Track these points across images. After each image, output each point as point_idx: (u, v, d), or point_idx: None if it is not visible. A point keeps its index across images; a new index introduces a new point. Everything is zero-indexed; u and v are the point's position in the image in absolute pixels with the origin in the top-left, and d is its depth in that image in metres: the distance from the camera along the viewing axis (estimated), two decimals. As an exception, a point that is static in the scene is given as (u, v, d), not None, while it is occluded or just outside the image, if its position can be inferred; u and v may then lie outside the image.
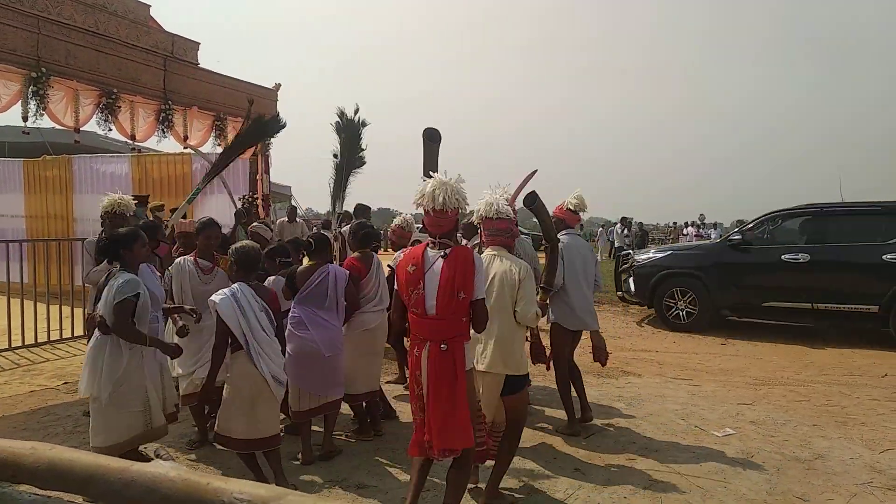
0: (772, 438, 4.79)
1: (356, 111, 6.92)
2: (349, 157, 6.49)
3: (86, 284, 5.31)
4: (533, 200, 4.11)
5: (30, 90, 7.23)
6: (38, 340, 7.22)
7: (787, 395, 6.01)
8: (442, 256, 3.05)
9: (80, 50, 7.76)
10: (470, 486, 3.58)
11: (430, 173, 3.19)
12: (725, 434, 4.88)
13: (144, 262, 3.78)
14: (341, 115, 6.68)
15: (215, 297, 3.60)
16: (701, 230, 27.81)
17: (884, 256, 7.98)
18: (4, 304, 7.00)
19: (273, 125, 6.97)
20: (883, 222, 8.24)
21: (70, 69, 7.62)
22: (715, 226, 29.28)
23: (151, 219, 7.82)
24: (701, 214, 30.17)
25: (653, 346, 8.41)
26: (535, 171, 5.48)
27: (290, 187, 21.31)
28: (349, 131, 6.33)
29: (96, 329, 3.51)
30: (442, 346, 2.99)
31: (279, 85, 11.48)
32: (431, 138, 3.56)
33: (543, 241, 4.24)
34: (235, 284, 3.70)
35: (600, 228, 28.72)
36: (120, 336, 3.45)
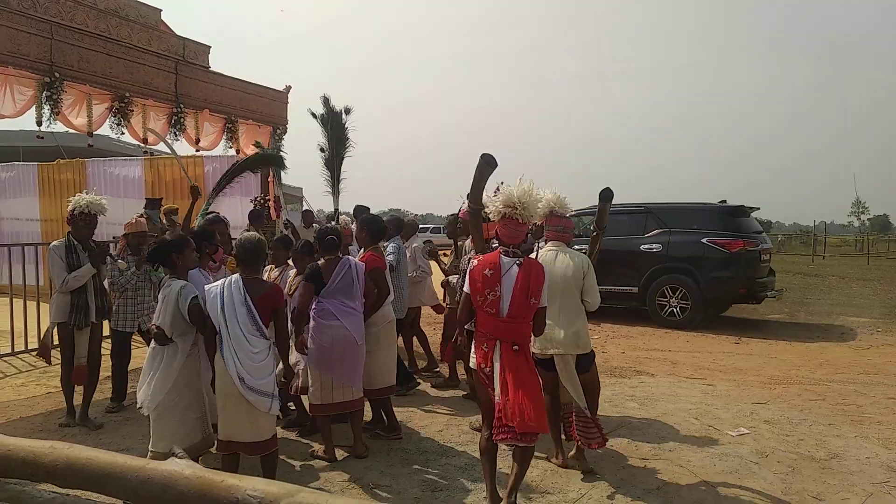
0: (787, 438, 4.76)
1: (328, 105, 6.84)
2: (337, 148, 6.46)
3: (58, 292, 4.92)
4: (610, 195, 4.49)
5: (43, 95, 7.30)
6: (54, 343, 7.26)
7: (802, 394, 5.97)
8: (517, 264, 3.37)
9: (93, 55, 7.83)
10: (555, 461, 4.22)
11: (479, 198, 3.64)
12: (740, 433, 4.85)
13: (194, 267, 3.96)
14: (326, 102, 6.59)
15: (209, 285, 3.62)
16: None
17: (641, 247, 10.00)
18: (20, 306, 7.06)
19: (274, 160, 7.54)
20: (643, 219, 10.22)
21: (83, 74, 7.69)
22: None
23: (165, 222, 7.88)
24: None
25: (666, 345, 8.37)
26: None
27: (301, 188, 21.37)
28: (334, 121, 6.27)
29: (152, 341, 3.66)
30: (514, 347, 3.34)
31: (289, 87, 11.53)
32: (489, 163, 3.72)
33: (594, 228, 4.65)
34: (233, 276, 3.63)
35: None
36: (208, 336, 3.55)
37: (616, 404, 5.59)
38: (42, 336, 5.23)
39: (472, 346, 3.53)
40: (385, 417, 4.81)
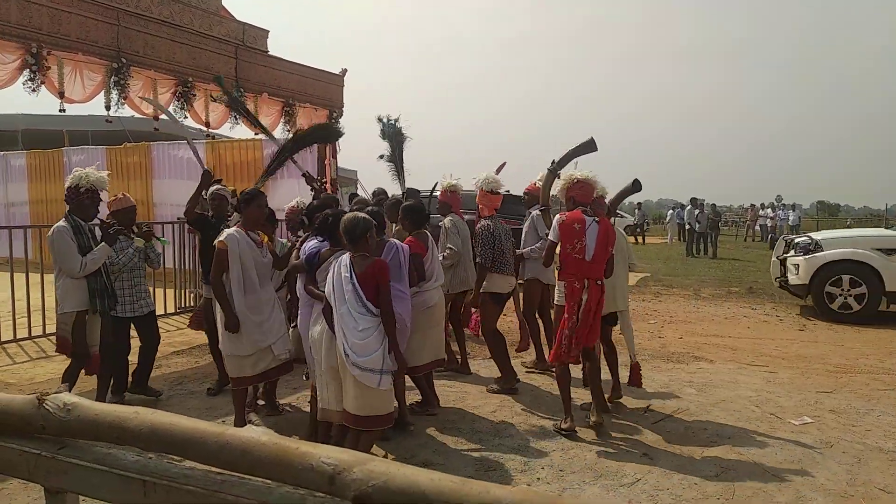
0: (853, 428, 4.60)
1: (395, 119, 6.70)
2: (399, 153, 6.47)
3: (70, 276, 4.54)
4: (639, 186, 4.98)
5: (111, 80, 7.55)
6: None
7: (870, 384, 5.74)
8: (595, 221, 4.40)
9: (157, 40, 8.05)
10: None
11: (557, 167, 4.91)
12: (803, 422, 4.71)
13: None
14: (384, 120, 6.49)
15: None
16: (777, 212, 26.69)
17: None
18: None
19: (333, 132, 7.27)
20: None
21: (148, 59, 7.92)
22: (794, 207, 28.04)
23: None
24: (777, 195, 28.95)
25: (726, 331, 8.17)
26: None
27: (356, 171, 21.58)
28: (394, 134, 6.31)
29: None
30: (598, 282, 4.37)
31: (345, 70, 11.62)
32: (589, 146, 4.89)
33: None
34: (346, 254, 3.73)
35: (671, 211, 27.94)
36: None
37: (673, 390, 5.50)
38: (57, 328, 4.62)
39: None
40: (421, 393, 4.93)
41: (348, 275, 3.57)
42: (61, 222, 4.54)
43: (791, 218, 26.18)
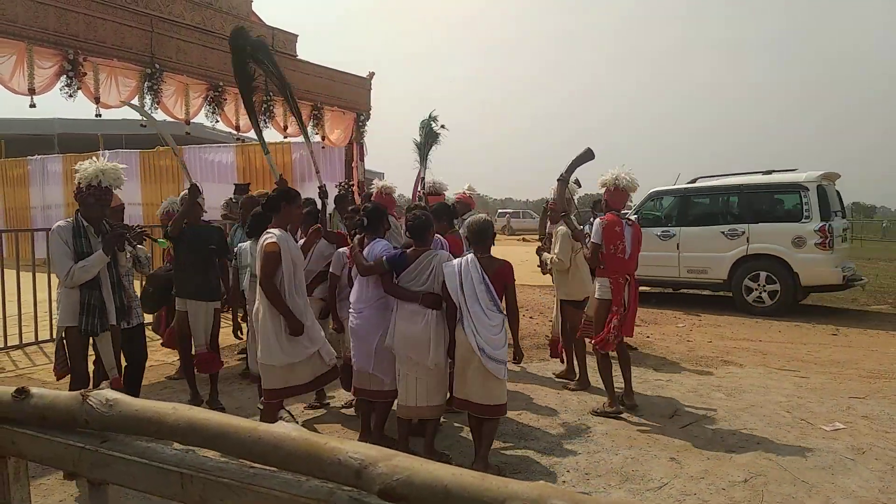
0: (886, 435, 4.51)
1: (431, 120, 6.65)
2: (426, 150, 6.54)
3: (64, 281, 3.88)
4: (591, 154, 5.30)
5: (145, 85, 7.73)
6: (147, 321, 7.67)
7: (905, 390, 5.63)
8: (629, 224, 5.00)
9: (190, 46, 8.21)
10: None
11: (570, 175, 5.28)
12: (835, 428, 4.64)
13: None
14: (426, 126, 6.45)
15: (446, 263, 3.94)
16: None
17: None
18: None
19: (257, 46, 5.73)
20: None
21: (181, 65, 8.08)
22: None
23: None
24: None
25: (756, 335, 8.05)
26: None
27: (383, 174, 21.74)
28: (430, 130, 6.37)
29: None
30: (630, 277, 4.95)
31: (373, 73, 11.72)
32: (588, 155, 5.19)
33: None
34: (468, 255, 3.98)
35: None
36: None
37: (702, 394, 5.45)
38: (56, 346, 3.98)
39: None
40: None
41: (480, 275, 3.83)
42: (63, 220, 4.00)
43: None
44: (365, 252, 4.17)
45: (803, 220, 9.11)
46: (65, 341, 3.89)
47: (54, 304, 6.39)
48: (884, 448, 4.25)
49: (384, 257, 4.05)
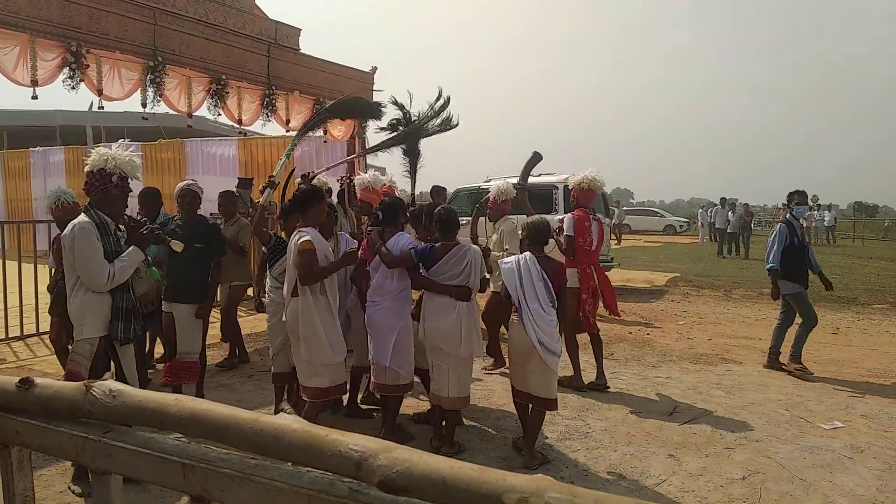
0: (885, 434, 4.53)
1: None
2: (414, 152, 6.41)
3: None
4: (539, 157, 6.21)
5: (148, 78, 7.73)
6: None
7: (904, 390, 5.64)
8: (595, 219, 5.67)
9: (193, 39, 8.21)
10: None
11: (522, 182, 6.13)
12: (833, 427, 4.65)
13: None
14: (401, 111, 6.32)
15: (502, 260, 4.18)
16: (813, 212, 26.17)
17: None
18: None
19: (373, 110, 6.28)
20: None
21: (183, 58, 8.08)
22: (829, 207, 27.45)
23: (258, 200, 8.22)
24: (814, 195, 28.43)
25: (756, 333, 8.06)
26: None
27: (385, 168, 21.73)
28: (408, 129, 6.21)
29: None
30: (600, 266, 5.71)
31: (375, 68, 11.71)
32: (537, 158, 5.95)
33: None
34: (525, 254, 4.13)
35: (701, 210, 27.58)
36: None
37: (701, 392, 5.46)
38: (69, 360, 3.52)
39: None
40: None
41: (539, 274, 4.02)
42: (83, 217, 3.49)
43: (827, 218, 25.67)
44: (389, 245, 4.16)
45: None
46: (81, 355, 3.42)
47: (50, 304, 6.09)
48: (882, 447, 4.27)
49: (413, 250, 4.07)
